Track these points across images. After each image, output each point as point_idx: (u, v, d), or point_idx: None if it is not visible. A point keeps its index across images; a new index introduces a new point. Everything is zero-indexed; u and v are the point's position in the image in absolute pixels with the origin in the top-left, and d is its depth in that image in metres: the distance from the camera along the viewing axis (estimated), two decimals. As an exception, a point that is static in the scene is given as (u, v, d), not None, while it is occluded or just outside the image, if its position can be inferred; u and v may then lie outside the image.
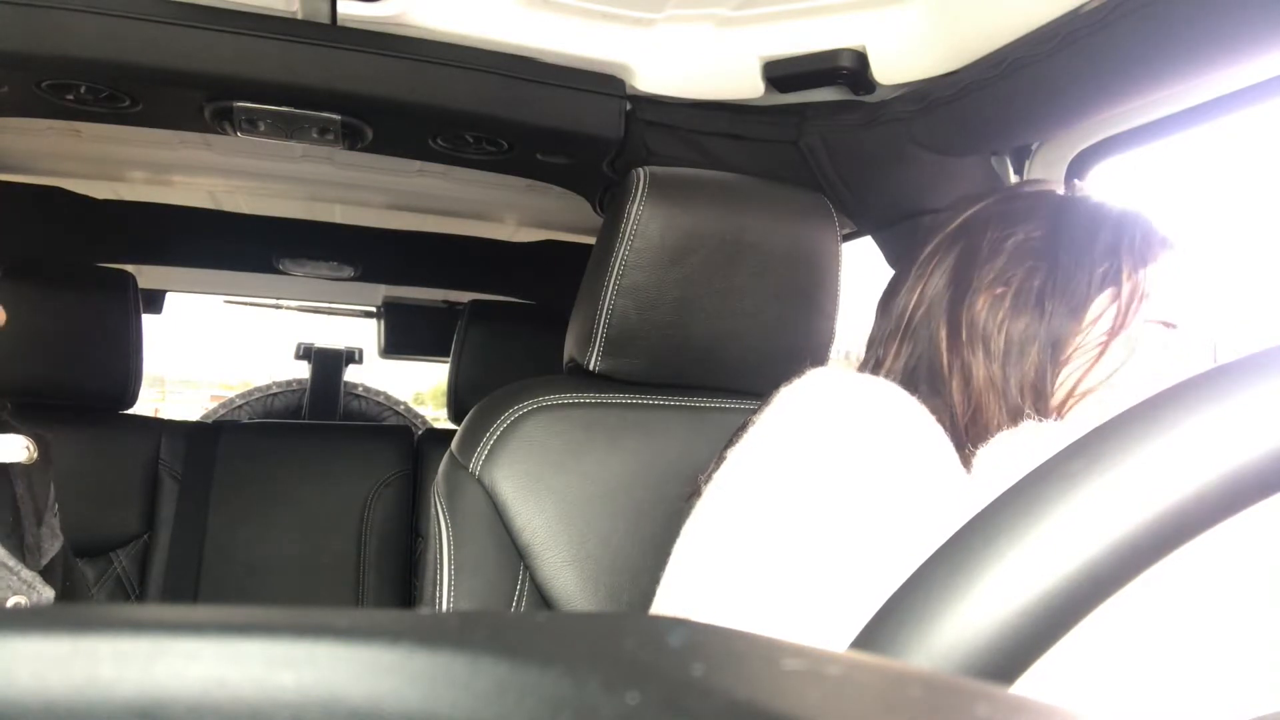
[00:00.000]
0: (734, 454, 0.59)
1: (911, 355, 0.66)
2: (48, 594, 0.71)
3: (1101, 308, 0.62)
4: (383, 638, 0.14)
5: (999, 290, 0.63)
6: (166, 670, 0.14)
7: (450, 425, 1.72)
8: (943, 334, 0.65)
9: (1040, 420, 0.60)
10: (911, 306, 0.67)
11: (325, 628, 0.14)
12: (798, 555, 0.50)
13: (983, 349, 0.62)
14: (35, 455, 0.76)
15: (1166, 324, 0.63)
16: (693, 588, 0.55)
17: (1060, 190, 0.70)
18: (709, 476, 0.60)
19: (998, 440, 0.58)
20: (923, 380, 0.65)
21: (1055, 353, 0.61)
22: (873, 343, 0.71)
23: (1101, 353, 0.61)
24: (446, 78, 0.85)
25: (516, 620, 0.16)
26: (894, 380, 0.66)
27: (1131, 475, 0.23)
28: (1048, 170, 0.93)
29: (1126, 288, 0.61)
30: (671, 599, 0.57)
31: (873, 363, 0.69)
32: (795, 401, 0.58)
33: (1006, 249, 0.64)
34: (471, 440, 0.80)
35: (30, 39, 0.76)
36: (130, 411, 1.52)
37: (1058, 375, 0.61)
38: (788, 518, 0.52)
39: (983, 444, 0.59)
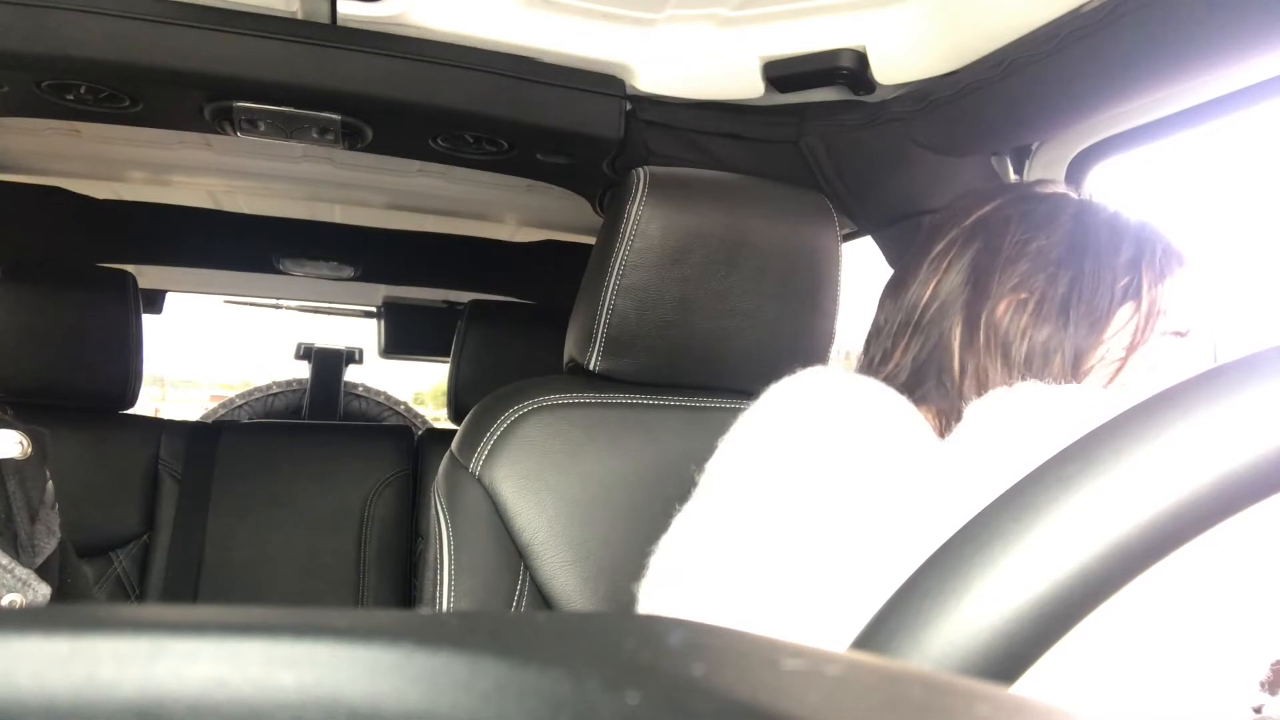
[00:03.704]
0: (721, 449, 0.59)
1: (922, 350, 0.66)
2: (44, 591, 0.70)
3: (1122, 321, 0.61)
4: (383, 638, 0.14)
5: (1022, 295, 0.62)
6: (166, 670, 0.14)
7: (450, 425, 1.72)
8: (958, 332, 0.64)
9: (1039, 381, 0.59)
10: (924, 301, 0.66)
11: (325, 628, 0.14)
12: (775, 551, 0.51)
13: (1002, 355, 0.62)
14: (29, 450, 0.76)
15: (1178, 333, 0.63)
16: (674, 582, 0.56)
17: (1072, 193, 0.69)
18: (701, 468, 0.61)
19: (993, 396, 0.57)
20: (930, 376, 0.65)
21: (1077, 365, 0.61)
22: (877, 334, 0.70)
23: (1121, 366, 0.61)
24: (446, 78, 0.85)
25: (516, 620, 0.16)
26: (901, 374, 0.66)
27: (1127, 478, 0.23)
28: (1047, 170, 0.93)
29: (1146, 302, 0.61)
30: (655, 592, 0.57)
31: (880, 355, 0.68)
32: (781, 400, 0.58)
33: (1029, 253, 0.63)
34: (471, 440, 0.80)
35: (30, 39, 0.76)
36: (130, 411, 1.52)
37: None
38: (769, 514, 0.52)
39: (946, 406, 0.59)
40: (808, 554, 0.50)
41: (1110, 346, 0.61)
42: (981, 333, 0.63)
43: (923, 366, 0.65)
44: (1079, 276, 0.62)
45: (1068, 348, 0.61)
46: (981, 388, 0.62)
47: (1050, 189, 0.69)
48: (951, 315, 0.65)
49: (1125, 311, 0.62)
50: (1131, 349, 0.61)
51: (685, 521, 0.58)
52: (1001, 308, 0.63)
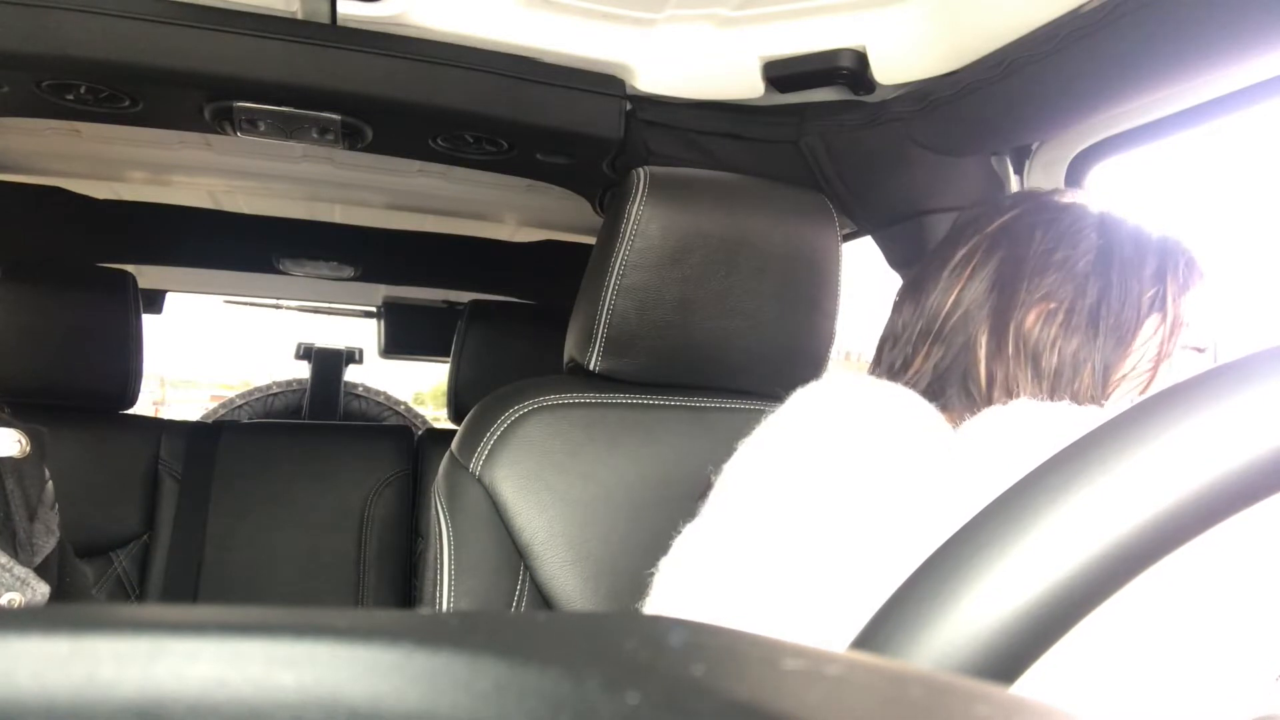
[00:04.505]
0: (742, 452, 0.59)
1: (944, 358, 0.65)
2: (43, 590, 0.70)
3: (1149, 333, 0.61)
4: (383, 638, 0.14)
5: (1051, 306, 0.62)
6: (166, 670, 0.14)
7: (450, 425, 1.72)
8: (984, 341, 0.63)
9: (1034, 398, 0.59)
10: (946, 309, 0.66)
11: (325, 628, 0.14)
12: (798, 562, 0.50)
13: (1031, 365, 0.61)
14: (28, 449, 0.76)
15: (1197, 349, 0.63)
16: (690, 585, 0.56)
17: (1090, 203, 0.69)
18: (718, 469, 0.61)
19: (986, 415, 0.57)
20: (953, 383, 0.65)
21: (1106, 376, 0.61)
22: (894, 340, 0.69)
23: (1151, 379, 0.61)
24: (446, 78, 0.85)
25: (516, 620, 0.16)
26: (922, 381, 0.65)
27: (1126, 479, 0.23)
28: (1048, 170, 0.93)
29: (1171, 314, 0.61)
30: (669, 595, 0.57)
31: (899, 361, 0.68)
32: (811, 408, 0.58)
33: (1055, 263, 0.63)
34: (472, 440, 0.80)
35: (30, 39, 0.76)
36: (130, 411, 1.52)
37: (1107, 400, 0.61)
38: (793, 525, 0.52)
39: (970, 415, 0.59)
40: (834, 567, 0.49)
41: (1138, 359, 0.61)
42: (1010, 342, 0.62)
43: (945, 374, 0.65)
44: (1107, 288, 0.62)
45: (1097, 359, 0.60)
46: (1010, 397, 0.61)
47: (1069, 198, 0.69)
48: (976, 323, 0.64)
49: (1151, 323, 0.62)
50: (1159, 360, 0.61)
51: (703, 525, 0.57)
52: (1031, 317, 0.62)
